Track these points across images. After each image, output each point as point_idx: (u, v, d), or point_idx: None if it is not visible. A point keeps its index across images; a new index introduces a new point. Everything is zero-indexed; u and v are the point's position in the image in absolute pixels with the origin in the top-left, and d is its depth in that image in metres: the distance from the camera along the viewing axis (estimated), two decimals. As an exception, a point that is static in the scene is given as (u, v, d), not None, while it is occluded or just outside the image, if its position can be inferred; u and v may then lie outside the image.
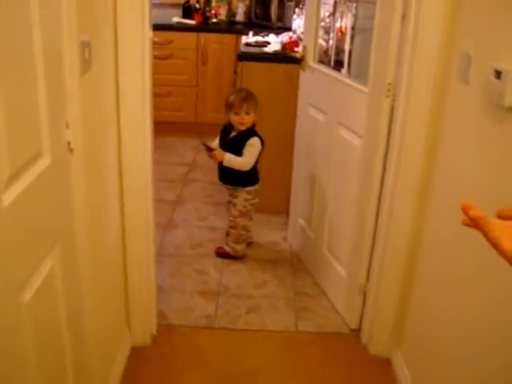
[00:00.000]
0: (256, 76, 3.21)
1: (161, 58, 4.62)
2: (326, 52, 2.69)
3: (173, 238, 3.16)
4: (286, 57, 3.18)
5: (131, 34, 1.82)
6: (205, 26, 4.76)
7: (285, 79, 3.17)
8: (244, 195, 2.82)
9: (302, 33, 3.32)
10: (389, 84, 2.01)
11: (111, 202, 1.96)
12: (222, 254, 2.99)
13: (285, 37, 3.35)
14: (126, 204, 2.05)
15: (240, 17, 4.90)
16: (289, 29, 4.05)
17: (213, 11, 4.87)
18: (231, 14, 4.93)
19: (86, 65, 1.47)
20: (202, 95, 4.75)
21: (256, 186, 2.84)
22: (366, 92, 2.19)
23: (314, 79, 2.71)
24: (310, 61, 2.72)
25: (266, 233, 3.29)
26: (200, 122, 4.84)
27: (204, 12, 4.88)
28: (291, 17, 4.46)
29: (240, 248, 2.97)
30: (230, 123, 2.73)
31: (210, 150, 2.70)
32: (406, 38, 1.89)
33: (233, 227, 2.92)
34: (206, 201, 3.64)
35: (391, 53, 1.98)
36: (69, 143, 1.38)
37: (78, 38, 1.39)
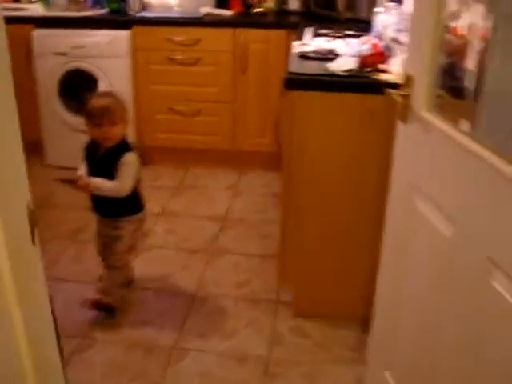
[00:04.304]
0: (315, 114, 1.93)
1: (185, 63, 3.41)
2: (453, 88, 1.37)
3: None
4: (367, 83, 1.87)
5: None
6: (245, 19, 3.47)
7: (363, 120, 1.88)
8: (130, 226, 2.23)
9: (394, 39, 2.01)
10: None
11: None
12: (99, 305, 2.26)
13: (365, 44, 2.03)
14: None
15: (294, 4, 3.56)
16: (363, 23, 2.67)
17: (257, -3, 3.58)
18: (282, 0, 3.62)
19: None
20: (241, 114, 3.49)
21: (140, 215, 2.26)
22: None
23: (427, 143, 1.40)
24: (421, 108, 1.41)
25: (328, 367, 2.03)
26: (239, 149, 3.59)
27: (245, -1, 3.60)
28: (365, 4, 3.11)
29: (123, 293, 2.37)
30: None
31: (71, 182, 2.13)
32: None
33: (120, 267, 2.30)
34: (237, 294, 2.41)
35: None
36: None
37: None
